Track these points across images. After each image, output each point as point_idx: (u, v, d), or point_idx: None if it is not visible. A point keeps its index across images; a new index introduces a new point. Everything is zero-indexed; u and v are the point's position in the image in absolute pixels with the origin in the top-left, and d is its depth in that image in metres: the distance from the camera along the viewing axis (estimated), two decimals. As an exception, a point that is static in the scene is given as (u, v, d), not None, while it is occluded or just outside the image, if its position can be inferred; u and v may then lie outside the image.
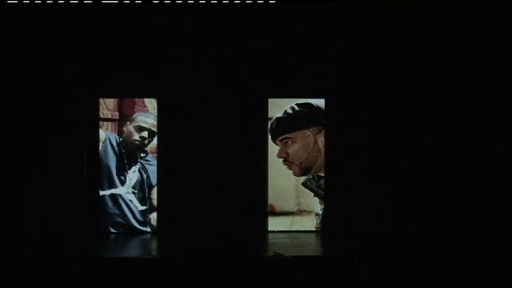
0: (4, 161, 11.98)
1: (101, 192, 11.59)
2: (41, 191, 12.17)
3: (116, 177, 11.68)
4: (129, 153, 11.75)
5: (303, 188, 11.90)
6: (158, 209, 11.69)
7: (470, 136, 12.54)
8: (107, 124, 11.77)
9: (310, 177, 11.92)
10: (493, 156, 12.45)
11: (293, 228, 11.73)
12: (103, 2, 11.57)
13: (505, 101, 12.51)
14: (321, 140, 11.99)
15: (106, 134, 11.72)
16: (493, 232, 11.57)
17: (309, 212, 11.84)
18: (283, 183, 11.92)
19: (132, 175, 11.75)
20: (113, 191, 11.67)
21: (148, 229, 11.63)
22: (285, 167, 11.90)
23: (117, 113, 11.81)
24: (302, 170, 11.90)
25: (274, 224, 11.85)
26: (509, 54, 12.42)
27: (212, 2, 11.70)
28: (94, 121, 11.76)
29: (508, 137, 12.44)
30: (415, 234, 11.52)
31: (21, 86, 12.25)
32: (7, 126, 12.09)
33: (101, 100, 11.75)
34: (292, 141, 11.92)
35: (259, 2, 11.74)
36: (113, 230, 11.56)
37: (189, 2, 11.71)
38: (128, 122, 11.79)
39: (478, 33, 12.46)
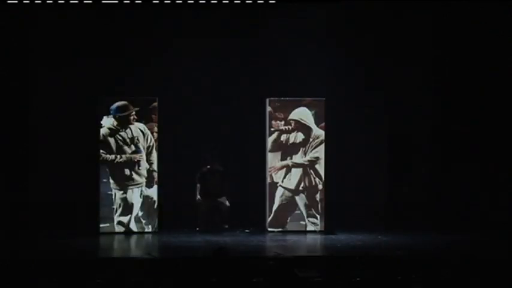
0: (5, 159, 11.99)
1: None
2: (40, 190, 12.19)
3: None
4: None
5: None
6: (159, 208, 11.67)
7: (467, 135, 12.54)
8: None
9: None
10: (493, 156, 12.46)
11: (293, 228, 11.72)
12: (103, 2, 11.56)
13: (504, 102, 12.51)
14: None
15: None
16: (493, 232, 11.56)
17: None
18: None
19: None
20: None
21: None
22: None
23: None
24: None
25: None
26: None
27: (212, 1, 11.70)
28: (93, 120, 11.74)
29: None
30: (413, 234, 11.53)
31: (22, 86, 12.28)
32: (9, 125, 12.10)
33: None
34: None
35: (259, 1, 11.74)
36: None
37: (189, 2, 11.71)
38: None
39: (480, 33, 12.45)
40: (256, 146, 12.26)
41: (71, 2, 11.42)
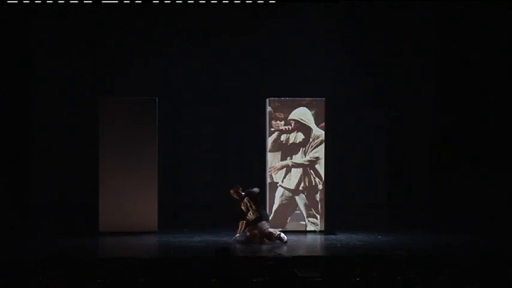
0: (6, 160, 12.01)
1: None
2: (41, 190, 12.20)
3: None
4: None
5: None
6: (159, 208, 11.67)
7: (467, 135, 12.56)
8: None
9: None
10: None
11: (293, 228, 11.72)
12: (103, 2, 11.58)
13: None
14: None
15: None
16: (494, 231, 11.58)
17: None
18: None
19: None
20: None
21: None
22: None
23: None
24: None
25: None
26: None
27: (212, 1, 11.71)
28: (93, 120, 11.75)
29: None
30: (413, 234, 11.55)
31: (23, 87, 12.30)
32: (9, 126, 12.12)
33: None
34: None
35: (259, 2, 11.76)
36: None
37: (189, 2, 11.72)
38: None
39: (481, 34, 12.46)
40: (256, 146, 12.27)
41: (71, 2, 11.43)
